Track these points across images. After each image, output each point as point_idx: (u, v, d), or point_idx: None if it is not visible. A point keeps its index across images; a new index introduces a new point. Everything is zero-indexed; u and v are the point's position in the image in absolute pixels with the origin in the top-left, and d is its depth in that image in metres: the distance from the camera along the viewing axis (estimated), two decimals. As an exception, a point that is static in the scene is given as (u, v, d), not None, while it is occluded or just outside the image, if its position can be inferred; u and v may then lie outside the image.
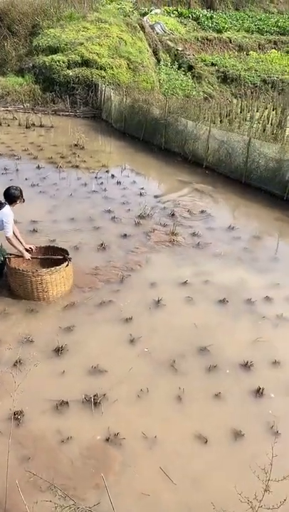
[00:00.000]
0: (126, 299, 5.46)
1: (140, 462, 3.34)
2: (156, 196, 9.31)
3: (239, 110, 18.96)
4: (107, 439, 3.48)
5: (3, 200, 5.23)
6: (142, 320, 5.06)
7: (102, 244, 6.79)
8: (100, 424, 3.63)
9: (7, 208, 5.19)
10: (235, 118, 17.25)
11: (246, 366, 4.40)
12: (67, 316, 5.06)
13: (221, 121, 16.25)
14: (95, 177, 10.20)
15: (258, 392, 4.09)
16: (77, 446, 3.42)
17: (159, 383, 4.14)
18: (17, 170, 10.23)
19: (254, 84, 23.54)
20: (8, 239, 5.22)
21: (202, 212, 8.52)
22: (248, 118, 17.48)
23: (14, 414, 3.57)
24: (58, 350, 4.41)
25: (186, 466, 3.34)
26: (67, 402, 3.80)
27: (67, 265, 5.39)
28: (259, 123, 16.37)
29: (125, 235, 7.23)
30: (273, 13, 31.36)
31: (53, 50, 18.92)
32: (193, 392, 4.05)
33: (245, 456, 3.42)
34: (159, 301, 5.39)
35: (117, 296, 5.51)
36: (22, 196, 5.35)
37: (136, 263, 6.36)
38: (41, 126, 15.04)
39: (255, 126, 15.66)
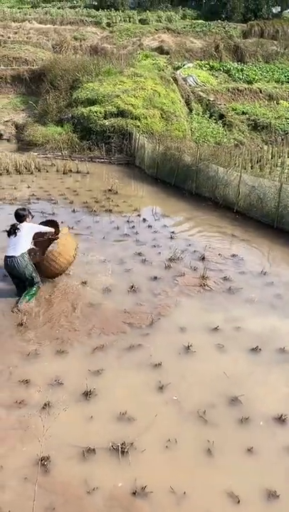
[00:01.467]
0: (155, 343, 5.42)
1: (168, 520, 3.18)
2: (186, 239, 9.40)
3: (270, 156, 19.21)
4: (134, 492, 3.35)
5: (15, 222, 6.23)
6: (171, 366, 4.97)
7: (132, 287, 6.84)
8: (127, 475, 3.51)
9: (25, 223, 6.19)
10: (266, 164, 17.47)
11: (280, 420, 4.19)
12: (96, 358, 5.05)
13: (251, 167, 16.49)
14: (127, 221, 10.45)
15: (294, 448, 3.86)
16: (104, 497, 3.30)
17: (188, 434, 4.00)
18: (53, 213, 10.65)
19: (284, 131, 23.93)
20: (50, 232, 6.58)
21: (233, 256, 8.49)
22: (279, 164, 17.66)
23: (41, 460, 3.53)
24: (87, 394, 4.38)
25: (217, 528, 3.15)
26: (94, 450, 3.72)
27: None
28: (290, 169, 16.48)
29: (155, 278, 7.27)
30: (303, 65, 32.34)
31: (91, 102, 20.12)
32: (224, 446, 3.88)
33: (281, 520, 3.20)
34: (188, 347, 5.31)
35: (147, 340, 5.47)
36: (30, 214, 6.46)
37: (166, 307, 6.35)
38: (78, 172, 15.76)
39: (286, 171, 15.77)
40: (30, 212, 6.45)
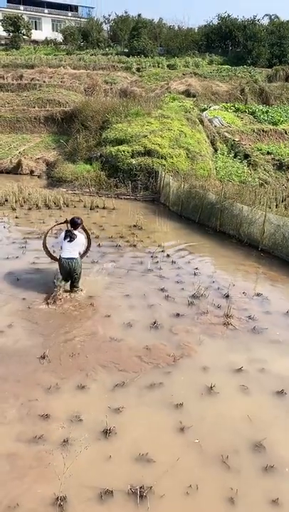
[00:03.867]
0: (177, 382, 5.32)
1: None
2: (210, 276, 9.35)
3: (295, 196, 19.18)
4: None
5: (70, 228, 7.65)
6: (193, 407, 4.85)
7: (154, 323, 6.81)
8: (145, 522, 3.38)
9: (79, 234, 7.70)
10: (292, 203, 17.43)
11: (308, 470, 3.98)
12: (117, 396, 4.99)
13: (276, 206, 16.48)
14: (151, 256, 10.54)
15: None
16: None
17: (210, 480, 3.84)
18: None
19: (310, 171, 23.99)
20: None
21: (258, 295, 8.37)
22: (304, 203, 17.58)
23: (58, 500, 3.44)
24: (106, 433, 4.30)
25: None
26: (111, 492, 3.61)
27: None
28: (316, 208, 16.38)
29: (178, 315, 7.22)
30: None
31: (120, 142, 20.88)
32: (248, 495, 3.70)
33: None
34: (211, 387, 5.18)
35: (168, 378, 5.38)
36: (82, 223, 7.83)
37: (188, 345, 6.26)
38: (104, 208, 16.15)
39: (312, 211, 15.67)
40: (82, 222, 7.86)
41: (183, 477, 3.83)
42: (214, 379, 5.33)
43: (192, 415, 4.68)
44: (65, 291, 7.66)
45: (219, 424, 4.60)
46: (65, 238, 7.51)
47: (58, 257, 7.87)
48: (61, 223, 8.35)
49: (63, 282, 7.69)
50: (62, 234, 7.65)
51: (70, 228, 7.63)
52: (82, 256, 8.02)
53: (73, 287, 7.73)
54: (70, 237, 7.50)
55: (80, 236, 7.70)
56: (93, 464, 3.95)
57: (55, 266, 8.84)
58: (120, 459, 4.01)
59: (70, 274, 7.58)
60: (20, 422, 4.44)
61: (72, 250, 7.52)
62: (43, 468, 3.79)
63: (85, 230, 8.36)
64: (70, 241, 7.48)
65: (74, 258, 7.50)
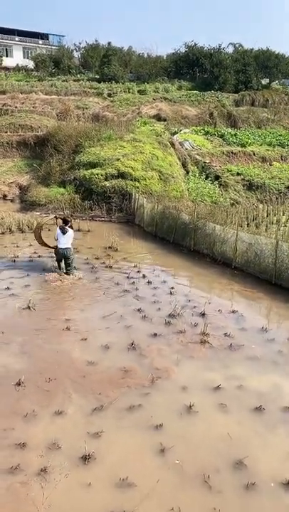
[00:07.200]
0: (156, 403, 5.28)
1: None
2: (186, 295, 9.43)
3: (265, 214, 19.78)
4: None
5: (62, 224, 10.25)
6: (173, 427, 4.82)
7: (132, 344, 6.78)
8: None
9: (69, 229, 10.24)
10: (262, 222, 17.94)
11: (288, 485, 3.99)
12: (96, 419, 4.90)
13: (248, 224, 16.92)
14: (127, 277, 10.55)
15: (304, 517, 3.65)
16: None
17: (192, 501, 3.80)
18: (54, 270, 10.77)
19: (278, 190, 24.84)
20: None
21: (233, 312, 8.49)
22: (274, 222, 18.14)
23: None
24: (85, 459, 4.21)
25: None
26: (92, 520, 3.52)
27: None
28: (286, 226, 16.90)
29: (155, 335, 7.22)
30: (293, 130, 34.34)
31: (93, 165, 21.08)
32: (230, 515, 3.67)
33: None
34: (190, 406, 5.17)
35: (147, 399, 5.34)
36: (71, 220, 10.81)
37: (166, 364, 6.25)
38: (79, 230, 16.08)
39: (282, 229, 16.17)
40: (71, 220, 10.85)
41: (165, 500, 3.77)
42: (193, 398, 5.33)
43: (172, 436, 4.65)
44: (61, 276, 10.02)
45: (200, 443, 4.59)
46: (61, 232, 10.00)
47: (53, 246, 10.59)
48: (54, 217, 11.50)
49: (61, 269, 10.33)
50: (58, 230, 10.09)
51: (62, 224, 10.13)
52: None
53: (68, 271, 10.19)
54: (63, 231, 9.99)
55: (71, 230, 10.21)
56: (73, 491, 3.84)
57: (30, 291, 8.78)
58: (100, 486, 3.92)
59: (65, 258, 10.13)
60: (-5, 452, 4.29)
61: (65, 242, 10.04)
62: (20, 500, 3.65)
63: (71, 227, 10.45)
64: (64, 234, 9.98)
65: (68, 248, 10.11)
